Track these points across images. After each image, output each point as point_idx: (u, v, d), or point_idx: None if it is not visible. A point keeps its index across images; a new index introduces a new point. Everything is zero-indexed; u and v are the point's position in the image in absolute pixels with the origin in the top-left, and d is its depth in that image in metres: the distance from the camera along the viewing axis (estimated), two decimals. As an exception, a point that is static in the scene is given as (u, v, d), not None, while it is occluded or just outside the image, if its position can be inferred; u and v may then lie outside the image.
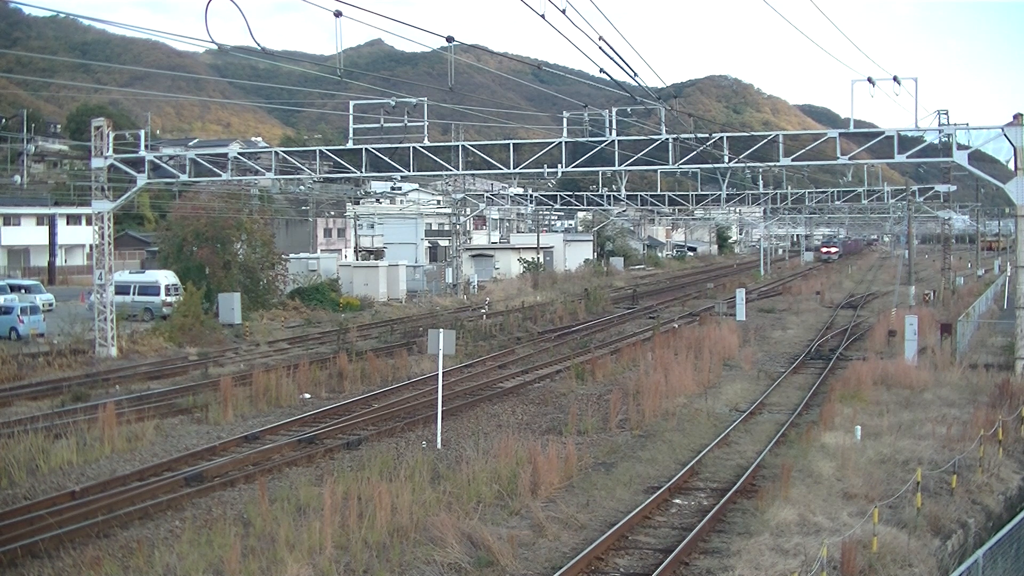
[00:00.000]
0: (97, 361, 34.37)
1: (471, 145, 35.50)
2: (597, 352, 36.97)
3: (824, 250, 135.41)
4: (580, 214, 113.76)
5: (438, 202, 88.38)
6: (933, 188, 62.37)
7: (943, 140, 31.12)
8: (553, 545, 15.40)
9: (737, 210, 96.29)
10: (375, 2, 18.30)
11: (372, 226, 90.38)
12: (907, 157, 31.83)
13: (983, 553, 12.48)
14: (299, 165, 39.35)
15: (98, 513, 16.54)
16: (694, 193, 67.71)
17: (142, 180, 37.52)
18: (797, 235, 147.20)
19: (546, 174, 36.61)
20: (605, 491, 18.33)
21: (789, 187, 63.43)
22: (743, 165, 37.62)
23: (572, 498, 17.87)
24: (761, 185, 59.94)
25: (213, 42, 17.58)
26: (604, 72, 19.12)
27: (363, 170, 35.46)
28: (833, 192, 64.50)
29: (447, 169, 35.57)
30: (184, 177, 38.79)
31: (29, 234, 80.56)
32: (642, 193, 70.18)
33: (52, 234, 73.97)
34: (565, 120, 33.88)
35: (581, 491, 18.33)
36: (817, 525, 15.86)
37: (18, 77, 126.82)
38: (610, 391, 27.87)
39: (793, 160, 33.59)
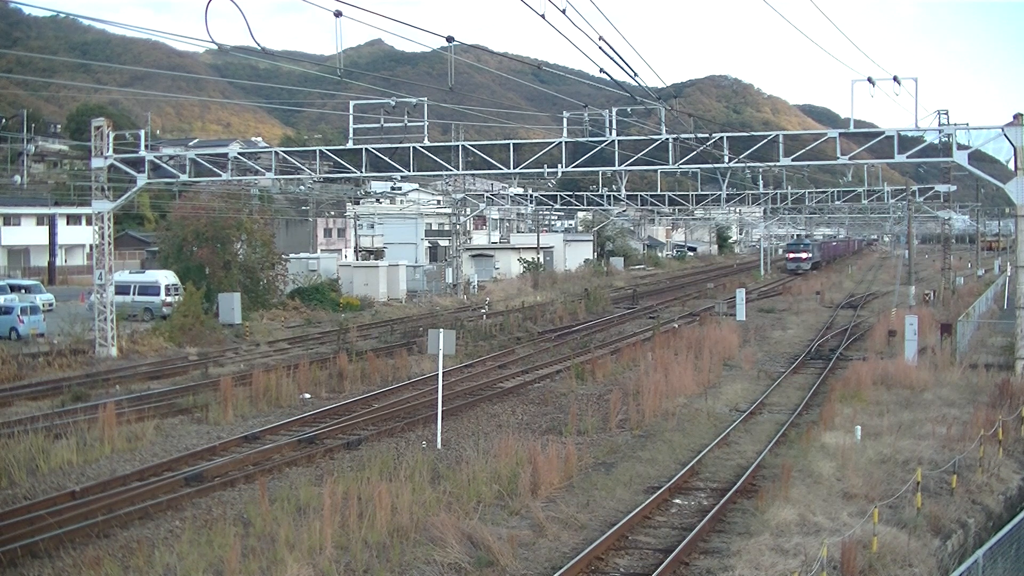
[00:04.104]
0: (97, 361, 34.38)
1: (471, 145, 35.50)
2: (597, 352, 36.97)
3: (791, 256, 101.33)
4: (580, 214, 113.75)
5: (438, 202, 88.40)
6: (933, 188, 62.37)
7: (943, 140, 31.13)
8: (553, 545, 15.40)
9: (737, 210, 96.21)
10: (375, 2, 18.29)
11: (372, 226, 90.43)
12: (907, 157, 31.85)
13: (983, 553, 12.48)
14: (299, 165, 39.35)
15: (98, 513, 16.54)
16: (694, 193, 67.73)
17: (142, 180, 37.52)
18: (797, 235, 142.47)
19: (546, 174, 36.62)
20: (605, 491, 18.33)
21: (789, 187, 63.45)
22: (743, 165, 37.62)
23: (572, 498, 17.87)
24: (761, 185, 59.94)
25: (213, 42, 17.60)
26: (604, 72, 19.12)
27: (363, 170, 35.46)
28: (833, 192, 64.53)
29: (447, 169, 35.57)
30: (184, 177, 38.80)
31: (29, 234, 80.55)
32: (642, 193, 70.19)
33: (52, 234, 73.96)
34: (565, 120, 33.88)
35: (581, 491, 18.33)
36: (817, 525, 15.85)
37: (18, 77, 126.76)
38: (610, 391, 27.87)
39: (793, 160, 33.60)
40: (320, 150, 37.64)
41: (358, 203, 79.30)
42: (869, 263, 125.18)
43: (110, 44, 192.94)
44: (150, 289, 46.71)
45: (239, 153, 40.49)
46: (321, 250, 79.11)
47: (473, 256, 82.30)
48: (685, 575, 14.39)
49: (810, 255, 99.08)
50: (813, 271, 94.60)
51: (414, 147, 34.22)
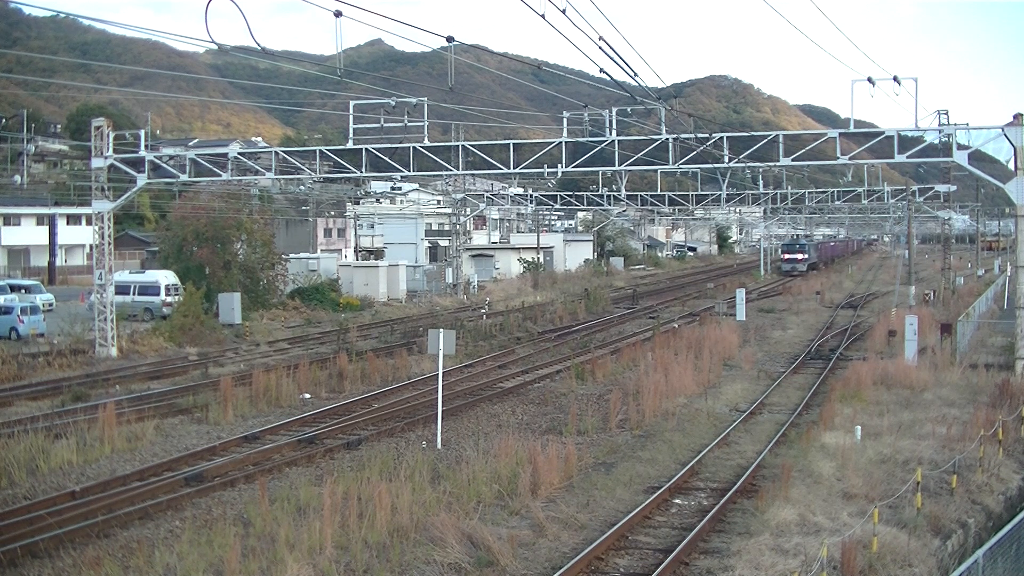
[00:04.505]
0: (97, 361, 34.38)
1: (471, 145, 35.49)
2: (597, 352, 36.97)
3: (786, 257, 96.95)
4: (580, 214, 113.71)
5: (438, 202, 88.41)
6: (933, 188, 62.38)
7: (943, 140, 31.13)
8: (553, 545, 15.40)
9: (737, 210, 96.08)
10: (375, 2, 18.29)
11: (372, 226, 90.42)
12: (907, 157, 31.85)
13: (983, 553, 12.48)
14: (299, 165, 39.35)
15: (98, 513, 16.54)
16: (694, 193, 67.73)
17: (142, 180, 37.52)
18: (797, 235, 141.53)
19: (546, 174, 36.61)
20: (605, 491, 18.32)
21: (789, 187, 63.44)
22: (743, 165, 37.62)
23: (572, 498, 17.87)
24: (761, 185, 59.94)
25: (213, 42, 17.60)
26: (604, 72, 19.12)
27: (363, 170, 35.46)
28: (833, 192, 64.54)
29: (447, 169, 35.57)
30: (184, 177, 38.80)
31: (29, 234, 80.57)
32: (642, 193, 70.20)
33: (52, 234, 73.96)
34: (565, 120, 33.88)
35: (581, 491, 18.33)
36: (817, 525, 15.86)
37: (18, 77, 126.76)
38: (610, 391, 27.87)
39: (793, 160, 33.60)
40: (320, 150, 37.64)
41: (358, 203, 79.27)
42: (869, 263, 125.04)
43: (110, 44, 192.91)
44: (150, 289, 46.71)
45: (239, 153, 40.49)
46: (321, 250, 79.11)
47: (473, 256, 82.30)
48: (685, 575, 14.39)
49: (806, 256, 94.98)
50: (811, 272, 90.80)
51: (414, 147, 34.22)
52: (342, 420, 24.88)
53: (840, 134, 32.68)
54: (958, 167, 34.86)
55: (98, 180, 37.24)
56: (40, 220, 78.83)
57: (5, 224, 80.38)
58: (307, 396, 28.38)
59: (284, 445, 21.89)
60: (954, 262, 68.68)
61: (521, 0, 15.31)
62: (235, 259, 50.34)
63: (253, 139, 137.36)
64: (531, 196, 75.91)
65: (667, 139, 32.79)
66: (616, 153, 33.59)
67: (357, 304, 54.61)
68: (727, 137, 33.61)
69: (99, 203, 37.16)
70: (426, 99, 33.17)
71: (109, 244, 37.04)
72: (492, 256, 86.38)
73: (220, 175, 37.99)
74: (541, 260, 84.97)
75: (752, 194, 65.09)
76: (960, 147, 30.74)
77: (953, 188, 61.62)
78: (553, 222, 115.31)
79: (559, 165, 34.09)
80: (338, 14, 17.10)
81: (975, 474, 19.29)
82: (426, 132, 33.60)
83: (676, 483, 18.78)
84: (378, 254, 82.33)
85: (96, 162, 37.22)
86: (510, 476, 18.27)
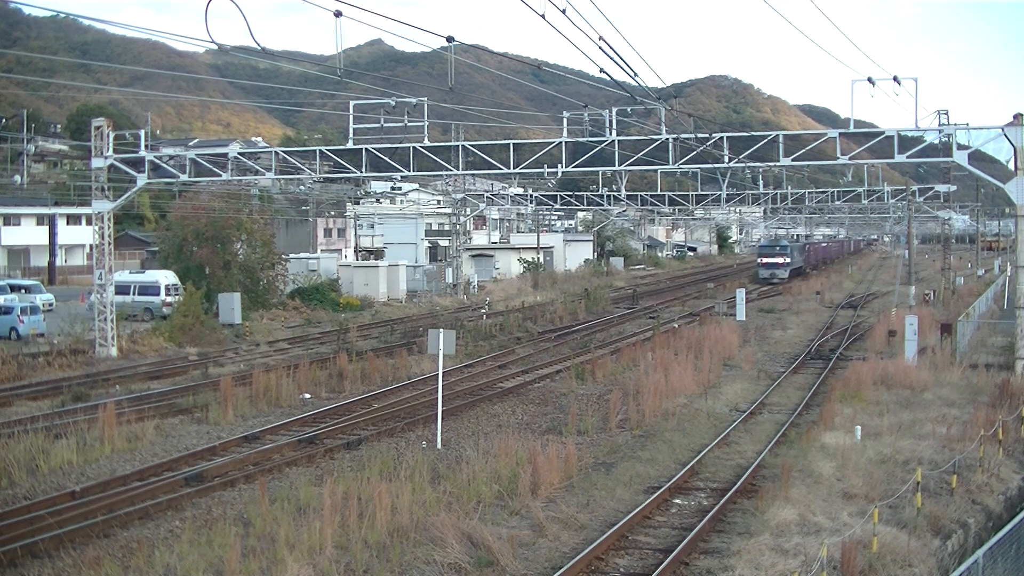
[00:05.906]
0: (97, 361, 34.37)
1: (471, 145, 35.49)
2: (597, 352, 36.97)
3: (764, 261, 79.96)
4: (580, 214, 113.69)
5: (438, 202, 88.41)
6: (933, 188, 62.39)
7: (943, 140, 31.13)
8: (553, 545, 15.39)
9: (737, 210, 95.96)
10: (375, 2, 18.30)
11: (372, 226, 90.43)
12: (907, 157, 31.85)
13: (983, 553, 12.48)
14: (299, 165, 39.35)
15: (98, 513, 16.54)
16: (694, 193, 67.75)
17: (142, 180, 37.52)
18: (797, 235, 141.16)
19: (546, 174, 36.63)
20: (605, 491, 18.32)
21: (789, 187, 63.44)
22: (743, 165, 37.62)
23: (572, 498, 17.87)
24: (761, 185, 59.95)
25: (213, 42, 17.60)
26: (604, 72, 19.13)
27: (363, 170, 35.46)
28: (833, 192, 64.55)
29: (447, 169, 35.57)
30: (184, 177, 38.81)
31: (29, 234, 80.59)
32: (642, 193, 70.22)
33: (52, 234, 73.98)
34: (565, 120, 33.88)
35: (581, 491, 18.33)
36: (817, 525, 15.86)
37: (18, 77, 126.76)
38: (610, 391, 27.86)
39: (793, 160, 33.58)
40: (320, 150, 37.64)
41: (358, 203, 79.28)
42: (869, 263, 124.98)
43: (110, 44, 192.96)
44: (150, 289, 46.72)
45: (239, 153, 40.49)
46: (321, 250, 79.10)
47: (473, 256, 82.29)
48: (685, 575, 14.39)
49: (788, 259, 79.45)
50: (797, 278, 79.35)
51: (414, 147, 34.22)
52: (342, 420, 24.88)
53: (840, 134, 32.68)
54: (958, 167, 34.87)
55: (98, 180, 37.24)
56: (40, 220, 78.85)
57: (5, 224, 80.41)
58: (307, 396, 28.38)
59: (284, 445, 21.88)
60: (954, 262, 68.66)
61: (521, 0, 15.33)
62: (235, 259, 50.35)
63: (253, 139, 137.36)
64: (531, 196, 75.92)
65: (667, 139, 32.79)
66: (616, 153, 33.59)
67: (357, 304, 54.60)
68: (727, 137, 33.61)
69: (99, 203, 37.16)
70: (426, 99, 33.17)
71: (109, 244, 37.04)
72: (492, 256, 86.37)
73: (220, 175, 38.00)
74: (541, 260, 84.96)
75: (752, 194, 65.11)
76: (960, 147, 30.74)
77: (953, 188, 61.62)
78: (553, 222, 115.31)
79: (559, 165, 34.09)
80: (338, 14, 17.10)
81: (975, 474, 19.28)
82: (426, 132, 33.60)
83: (676, 483, 18.78)
84: (378, 254, 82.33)
85: (96, 162, 37.22)
86: (510, 476, 18.27)
